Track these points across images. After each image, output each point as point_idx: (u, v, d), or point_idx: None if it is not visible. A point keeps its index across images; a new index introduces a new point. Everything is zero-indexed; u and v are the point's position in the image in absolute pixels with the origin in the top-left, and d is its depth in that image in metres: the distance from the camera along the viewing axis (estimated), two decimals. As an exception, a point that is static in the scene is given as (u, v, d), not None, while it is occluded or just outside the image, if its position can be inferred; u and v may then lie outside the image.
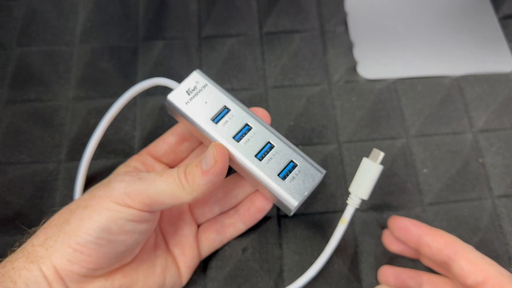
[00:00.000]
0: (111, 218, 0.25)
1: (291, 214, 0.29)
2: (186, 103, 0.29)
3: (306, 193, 0.28)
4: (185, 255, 0.31)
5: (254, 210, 0.32)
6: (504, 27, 0.43)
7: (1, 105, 0.38)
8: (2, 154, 0.36)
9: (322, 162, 0.36)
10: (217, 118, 0.29)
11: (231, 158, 0.28)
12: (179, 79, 0.40)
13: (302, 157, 0.29)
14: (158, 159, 0.33)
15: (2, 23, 0.42)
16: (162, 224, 0.32)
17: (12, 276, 0.24)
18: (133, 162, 0.33)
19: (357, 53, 0.42)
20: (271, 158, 0.28)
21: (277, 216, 0.35)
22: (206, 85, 0.30)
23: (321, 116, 0.38)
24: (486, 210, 0.35)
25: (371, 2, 0.44)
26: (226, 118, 0.29)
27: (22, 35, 0.41)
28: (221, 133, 0.28)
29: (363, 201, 0.30)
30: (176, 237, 0.32)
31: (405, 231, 0.30)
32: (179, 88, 0.30)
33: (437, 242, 0.28)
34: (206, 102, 0.29)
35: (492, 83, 0.40)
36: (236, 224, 0.32)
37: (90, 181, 0.35)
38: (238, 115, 0.29)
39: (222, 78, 0.40)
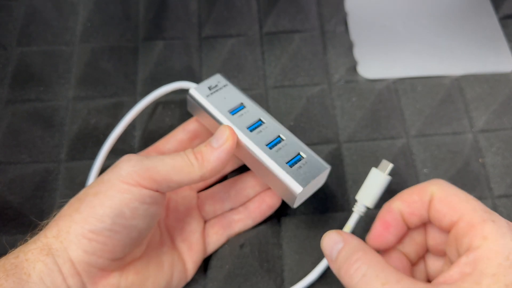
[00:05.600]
0: (123, 202, 0.25)
1: (295, 205, 0.30)
2: (206, 96, 0.32)
3: (311, 181, 0.29)
4: (192, 250, 0.31)
5: (265, 207, 0.33)
6: (504, 27, 0.43)
7: (1, 105, 0.38)
8: (2, 154, 0.36)
9: (322, 162, 0.36)
10: (233, 111, 0.31)
11: (241, 146, 0.30)
12: (180, 78, 0.40)
13: (309, 151, 0.30)
14: None
15: (2, 23, 0.42)
16: (168, 221, 0.32)
17: (26, 268, 0.24)
18: None
19: (357, 53, 0.42)
20: (280, 149, 0.30)
21: (277, 216, 0.35)
22: (227, 85, 0.33)
23: (321, 116, 0.38)
24: (486, 210, 0.35)
25: (371, 2, 0.44)
26: (241, 112, 0.31)
27: (22, 35, 0.41)
28: (236, 123, 0.30)
29: (368, 209, 0.30)
30: (183, 233, 0.32)
31: (388, 226, 0.27)
32: (201, 84, 0.33)
33: (411, 196, 0.27)
34: (225, 98, 0.32)
35: (492, 83, 0.40)
36: (245, 220, 0.33)
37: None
38: (253, 111, 0.32)
39: (222, 78, 0.40)
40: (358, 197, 0.30)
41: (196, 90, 0.32)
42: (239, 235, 0.33)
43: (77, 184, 0.35)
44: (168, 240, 0.31)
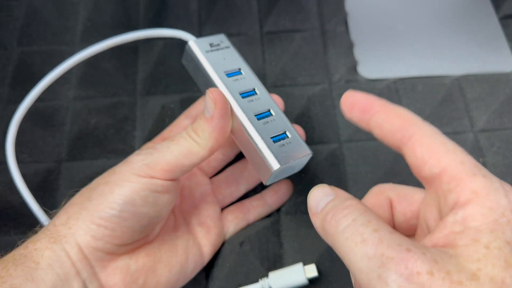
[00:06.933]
0: (134, 190, 0.26)
1: (267, 182, 0.29)
2: (206, 51, 0.30)
3: (290, 162, 0.28)
4: (210, 234, 0.32)
5: (280, 194, 0.34)
6: (504, 27, 0.43)
7: (1, 104, 0.38)
8: (3, 153, 0.36)
9: (323, 162, 0.36)
10: (230, 74, 0.30)
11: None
12: (180, 78, 0.40)
13: (295, 133, 0.29)
14: None
15: (3, 23, 0.42)
16: (184, 207, 0.32)
17: (34, 257, 0.24)
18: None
19: (358, 52, 0.42)
20: (268, 122, 0.29)
21: (278, 215, 0.35)
22: (229, 47, 0.32)
23: (322, 116, 0.38)
24: (487, 209, 0.35)
25: (371, 2, 0.44)
26: (237, 77, 0.30)
27: (22, 35, 0.41)
28: (229, 86, 0.29)
29: None
30: (200, 218, 0.32)
31: (356, 109, 0.24)
32: (203, 38, 0.31)
33: (390, 123, 0.23)
34: (224, 59, 0.31)
35: (493, 83, 0.40)
36: (263, 206, 0.34)
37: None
38: (249, 79, 0.30)
39: (223, 77, 0.40)
40: (272, 274, 0.31)
41: (195, 44, 0.30)
42: (238, 233, 0.34)
43: (78, 183, 0.35)
44: (184, 225, 0.32)
